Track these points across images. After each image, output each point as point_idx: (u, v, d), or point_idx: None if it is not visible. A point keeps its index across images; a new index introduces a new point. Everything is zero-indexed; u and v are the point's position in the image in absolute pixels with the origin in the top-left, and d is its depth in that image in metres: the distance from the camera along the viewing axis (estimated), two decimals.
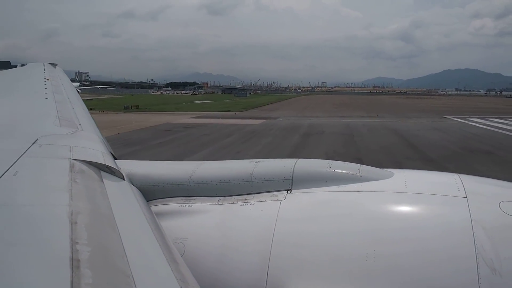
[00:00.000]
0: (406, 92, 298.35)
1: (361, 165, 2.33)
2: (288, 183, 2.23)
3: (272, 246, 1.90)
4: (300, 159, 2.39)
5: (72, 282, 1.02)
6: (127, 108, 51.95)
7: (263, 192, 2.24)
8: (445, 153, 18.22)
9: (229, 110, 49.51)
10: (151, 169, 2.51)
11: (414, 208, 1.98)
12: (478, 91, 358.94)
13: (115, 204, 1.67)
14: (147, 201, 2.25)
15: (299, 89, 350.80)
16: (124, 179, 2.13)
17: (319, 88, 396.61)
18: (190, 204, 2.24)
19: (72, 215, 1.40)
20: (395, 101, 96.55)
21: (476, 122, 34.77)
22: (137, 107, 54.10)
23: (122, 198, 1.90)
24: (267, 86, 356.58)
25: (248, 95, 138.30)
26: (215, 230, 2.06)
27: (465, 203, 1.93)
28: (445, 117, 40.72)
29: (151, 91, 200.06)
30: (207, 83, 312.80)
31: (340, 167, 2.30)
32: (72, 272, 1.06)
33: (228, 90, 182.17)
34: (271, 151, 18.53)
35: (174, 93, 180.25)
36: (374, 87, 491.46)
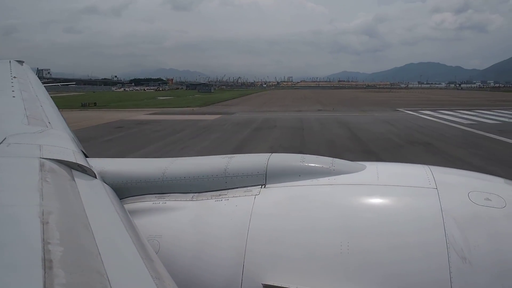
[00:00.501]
0: (369, 85, 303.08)
1: (334, 158, 2.36)
2: (262, 178, 2.25)
3: (247, 241, 1.92)
4: (273, 154, 2.42)
5: (44, 283, 1.01)
6: (84, 106, 50.50)
7: (237, 188, 2.26)
8: (385, 145, 18.76)
9: (188, 106, 49.13)
10: (123, 166, 2.51)
11: (386, 200, 2.01)
12: (440, 83, 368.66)
13: (88, 203, 1.66)
14: (120, 199, 2.22)
15: (265, 84, 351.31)
16: (96, 178, 2.12)
17: (285, 83, 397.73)
18: (164, 201, 2.24)
19: (43, 215, 1.38)
20: (356, 95, 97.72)
21: (426, 114, 35.80)
22: (94, 104, 52.82)
23: (94, 196, 1.89)
24: (233, 81, 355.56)
25: (212, 90, 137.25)
26: (190, 226, 2.06)
27: (436, 194, 1.97)
28: (398, 110, 41.73)
29: (113, 88, 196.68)
30: (172, 79, 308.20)
31: (313, 161, 2.33)
32: (45, 272, 1.05)
33: (193, 86, 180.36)
34: (216, 147, 18.60)
35: (137, 90, 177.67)
36: (339, 81, 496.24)
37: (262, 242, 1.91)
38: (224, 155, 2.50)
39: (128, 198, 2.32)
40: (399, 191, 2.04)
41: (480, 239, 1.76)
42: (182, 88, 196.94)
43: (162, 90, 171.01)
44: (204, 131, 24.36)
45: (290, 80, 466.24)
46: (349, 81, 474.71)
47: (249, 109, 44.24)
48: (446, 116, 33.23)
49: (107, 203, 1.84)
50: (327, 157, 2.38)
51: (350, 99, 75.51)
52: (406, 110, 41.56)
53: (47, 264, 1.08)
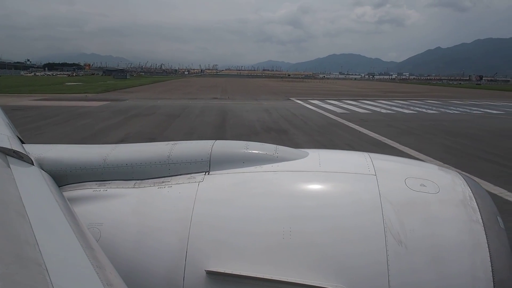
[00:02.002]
0: (289, 75, 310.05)
1: (277, 145, 2.39)
2: (206, 165, 2.24)
3: (191, 228, 1.92)
4: (217, 141, 2.43)
5: None
6: None
7: (181, 175, 2.23)
8: (241, 131, 19.54)
9: (86, 92, 47.67)
10: (62, 153, 2.41)
11: (328, 186, 2.05)
12: (359, 74, 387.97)
13: (24, 191, 1.61)
14: (59, 186, 2.16)
15: (187, 71, 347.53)
16: (33, 164, 2.05)
17: (209, 71, 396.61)
18: (105, 189, 2.19)
19: None
20: (266, 84, 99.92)
21: (311, 103, 37.41)
22: None
23: (31, 184, 1.83)
24: (155, 68, 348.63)
25: (128, 77, 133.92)
26: (132, 214, 2.03)
27: (375, 180, 2.03)
28: (289, 99, 43.15)
29: (22, 72, 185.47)
30: (90, 64, 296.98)
31: (257, 148, 2.34)
32: None
33: (110, 72, 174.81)
34: (73, 133, 18.50)
35: (49, 75, 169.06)
36: (263, 70, 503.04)
37: (206, 229, 1.91)
38: (168, 142, 2.49)
39: (68, 185, 2.26)
40: (340, 178, 2.09)
41: (415, 223, 1.83)
42: (98, 73, 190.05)
43: (76, 75, 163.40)
44: (76, 118, 23.89)
45: (215, 68, 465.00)
46: (273, 70, 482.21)
47: (146, 96, 43.55)
48: (327, 106, 34.98)
49: (45, 190, 1.78)
50: (271, 144, 2.42)
51: (256, 87, 76.76)
52: (297, 99, 43.14)
53: None
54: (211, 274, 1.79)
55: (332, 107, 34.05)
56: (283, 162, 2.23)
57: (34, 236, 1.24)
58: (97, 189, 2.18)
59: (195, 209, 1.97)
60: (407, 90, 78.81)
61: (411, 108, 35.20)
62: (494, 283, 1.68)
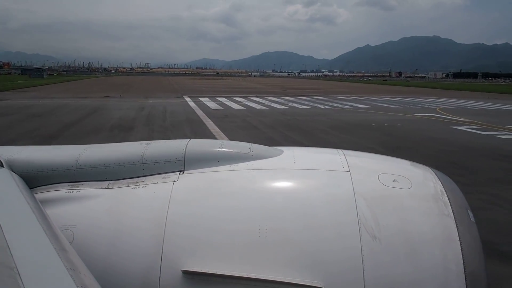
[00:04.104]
0: (217, 73, 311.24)
1: (252, 144, 2.39)
2: (180, 164, 2.22)
3: (166, 228, 1.90)
4: (192, 140, 2.41)
5: None
6: None
7: (155, 174, 2.21)
8: (90, 130, 19.93)
9: None
10: (33, 154, 2.36)
11: (302, 183, 2.06)
12: (288, 72, 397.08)
13: None
14: (30, 188, 2.12)
15: (113, 70, 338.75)
16: (3, 166, 2.04)
17: (141, 69, 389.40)
18: (78, 190, 2.15)
19: None
20: (183, 82, 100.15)
21: (197, 101, 38.34)
22: None
23: (1, 187, 1.82)
24: (81, 67, 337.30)
25: (45, 76, 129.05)
26: (106, 214, 2.00)
27: (349, 176, 2.05)
28: (181, 97, 43.87)
29: None
30: (9, 63, 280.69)
31: (232, 146, 2.33)
32: None
33: (27, 71, 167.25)
34: None
35: None
36: (197, 68, 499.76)
37: (181, 228, 1.90)
38: (142, 141, 2.46)
39: (39, 187, 2.22)
40: (315, 175, 2.10)
41: (389, 219, 1.86)
42: (16, 73, 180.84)
43: None
44: None
45: (147, 66, 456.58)
46: (207, 68, 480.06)
47: (37, 96, 42.20)
48: (210, 103, 35.91)
49: (16, 193, 1.77)
50: (246, 143, 2.42)
51: (167, 85, 77.01)
52: (189, 97, 43.95)
53: None
54: (187, 273, 1.79)
55: (213, 104, 35.04)
56: (258, 160, 2.23)
57: (5, 239, 1.23)
58: (69, 191, 2.15)
59: (170, 208, 1.96)
60: (312, 87, 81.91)
61: (289, 104, 36.93)
62: (465, 275, 1.72)
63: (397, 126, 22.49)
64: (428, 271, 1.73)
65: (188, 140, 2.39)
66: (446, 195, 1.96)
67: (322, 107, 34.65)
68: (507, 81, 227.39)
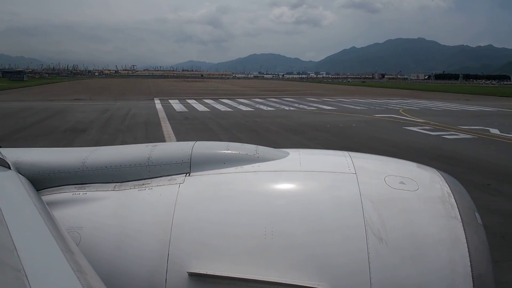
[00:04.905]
0: (202, 76, 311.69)
1: (258, 146, 2.38)
2: (186, 166, 2.21)
3: (172, 230, 1.89)
4: (198, 142, 2.40)
5: None
6: None
7: (161, 176, 2.20)
8: (41, 133, 20.00)
9: None
10: (40, 156, 2.36)
11: (308, 186, 2.05)
12: (277, 74, 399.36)
13: (1, 196, 1.61)
14: (37, 190, 2.13)
15: (97, 72, 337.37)
16: (10, 168, 2.04)
17: (127, 71, 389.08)
18: (84, 192, 2.15)
19: None
20: (162, 84, 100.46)
21: (165, 103, 38.50)
22: None
23: (8, 188, 1.83)
24: (67, 69, 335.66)
25: (25, 78, 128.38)
26: (112, 217, 2.00)
27: (355, 179, 2.04)
28: (151, 99, 43.84)
29: None
30: None
31: (238, 149, 2.32)
32: None
33: (7, 74, 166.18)
34: None
35: None
36: (183, 70, 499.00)
37: (187, 230, 1.90)
38: (148, 144, 2.46)
39: (46, 189, 2.21)
40: (321, 177, 2.09)
41: (395, 221, 1.84)
42: None
43: None
44: None
45: (133, 69, 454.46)
46: (192, 71, 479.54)
47: (6, 99, 42.14)
48: (177, 105, 36.11)
49: (23, 194, 1.77)
50: (252, 145, 2.40)
51: (144, 88, 76.60)
52: (159, 99, 44.06)
53: None
54: (193, 275, 1.78)
55: (180, 106, 35.28)
56: (263, 162, 2.22)
57: (12, 241, 1.23)
58: (76, 193, 2.15)
59: (176, 211, 1.95)
60: (289, 89, 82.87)
61: (256, 106, 37.23)
62: (473, 277, 1.70)
63: (351, 127, 22.91)
64: (435, 274, 1.72)
65: (194, 142, 2.40)
66: (453, 197, 1.95)
67: (287, 108, 35.14)
68: (487, 82, 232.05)
